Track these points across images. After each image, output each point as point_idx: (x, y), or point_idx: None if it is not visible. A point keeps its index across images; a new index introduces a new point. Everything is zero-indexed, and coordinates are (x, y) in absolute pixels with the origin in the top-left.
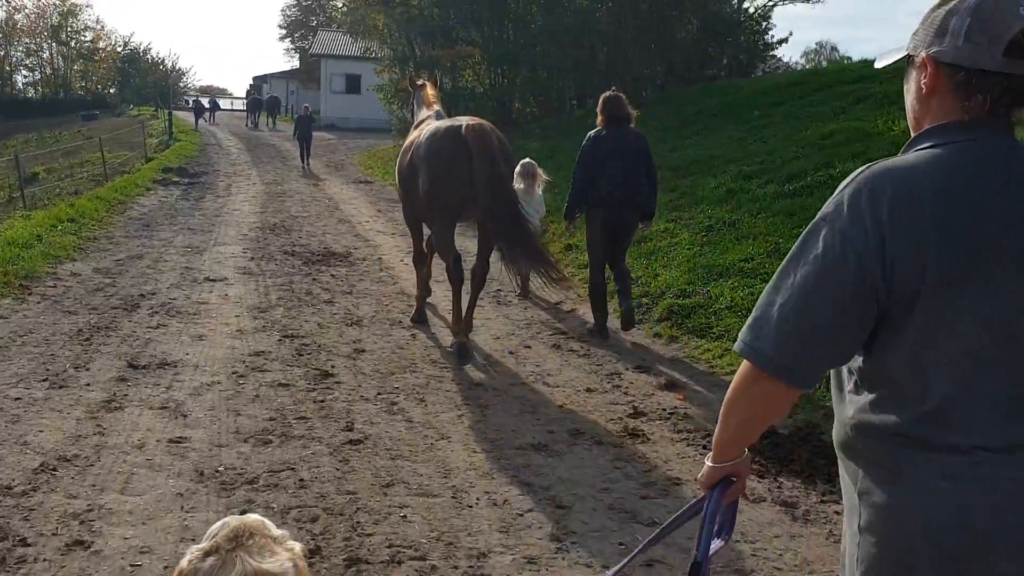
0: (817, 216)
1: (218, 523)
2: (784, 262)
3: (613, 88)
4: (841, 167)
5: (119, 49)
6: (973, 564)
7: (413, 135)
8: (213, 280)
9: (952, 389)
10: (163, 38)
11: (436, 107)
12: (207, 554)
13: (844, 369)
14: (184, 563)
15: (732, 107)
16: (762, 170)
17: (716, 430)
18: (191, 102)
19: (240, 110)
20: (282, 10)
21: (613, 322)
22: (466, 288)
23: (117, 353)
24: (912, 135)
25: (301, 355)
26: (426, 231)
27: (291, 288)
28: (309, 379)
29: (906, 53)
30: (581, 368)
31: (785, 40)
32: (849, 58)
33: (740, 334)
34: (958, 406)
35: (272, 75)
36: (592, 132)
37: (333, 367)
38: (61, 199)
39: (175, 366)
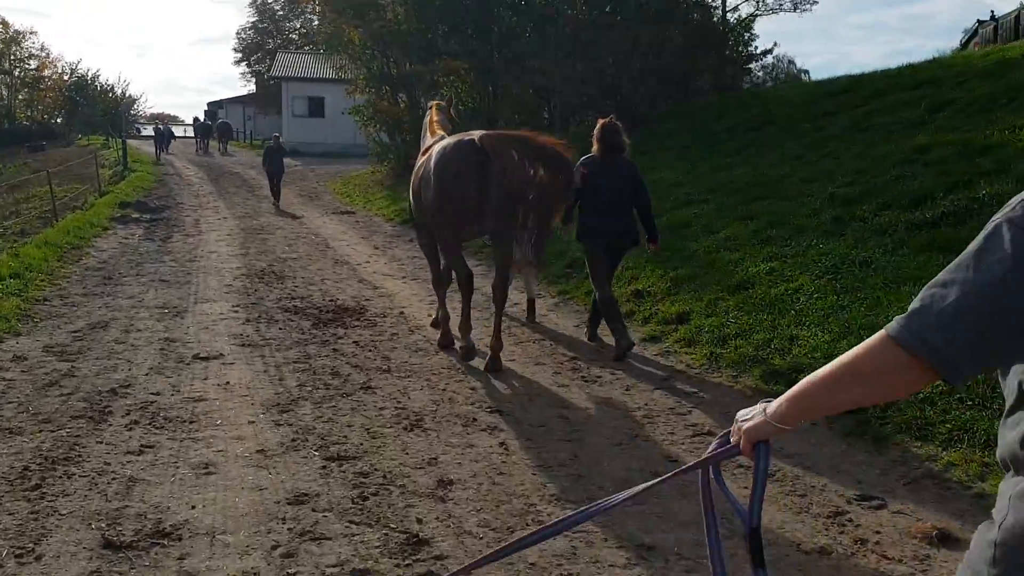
0: (997, 217)
1: None
2: (960, 257)
3: (611, 116)
4: (991, 188)
5: (66, 77)
6: None
7: (424, 155)
8: (205, 358)
9: None
10: (112, 65)
11: (450, 127)
12: None
13: (1011, 382)
14: None
15: (772, 120)
16: (864, 192)
17: (805, 387)
18: (154, 129)
19: (191, 137)
20: (237, 33)
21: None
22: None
23: (85, 514)
24: None
25: (365, 499)
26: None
27: (311, 367)
28: (394, 552)
29: None
30: (779, 503)
31: (770, 51)
32: (806, 71)
33: (898, 320)
34: None
35: (228, 100)
36: (586, 157)
37: (420, 520)
38: (5, 240)
39: (179, 536)
